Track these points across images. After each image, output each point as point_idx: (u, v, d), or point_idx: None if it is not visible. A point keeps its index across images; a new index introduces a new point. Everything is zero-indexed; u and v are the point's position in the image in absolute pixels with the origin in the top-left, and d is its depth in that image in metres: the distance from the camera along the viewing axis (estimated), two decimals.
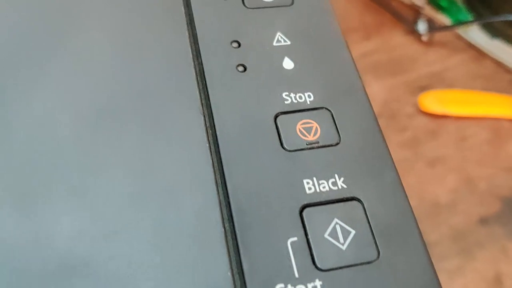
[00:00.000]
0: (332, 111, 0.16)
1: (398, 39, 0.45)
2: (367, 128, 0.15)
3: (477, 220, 0.36)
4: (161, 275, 0.12)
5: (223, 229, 0.13)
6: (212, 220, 0.13)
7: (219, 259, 0.13)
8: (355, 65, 0.16)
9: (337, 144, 0.15)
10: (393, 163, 0.15)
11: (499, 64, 0.44)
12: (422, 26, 0.45)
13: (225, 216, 0.13)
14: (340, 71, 0.16)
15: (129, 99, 0.15)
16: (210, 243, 0.13)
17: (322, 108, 0.16)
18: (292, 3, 0.18)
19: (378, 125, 0.15)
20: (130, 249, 0.12)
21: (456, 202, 0.37)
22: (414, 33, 0.45)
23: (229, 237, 0.13)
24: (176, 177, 0.14)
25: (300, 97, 0.16)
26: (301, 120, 0.15)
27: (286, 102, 0.16)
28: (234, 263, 0.13)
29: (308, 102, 0.16)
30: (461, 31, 0.45)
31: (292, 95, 0.16)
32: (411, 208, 0.14)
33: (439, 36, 0.45)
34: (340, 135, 0.15)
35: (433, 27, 0.45)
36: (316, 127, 0.15)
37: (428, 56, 0.44)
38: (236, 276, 0.12)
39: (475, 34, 0.45)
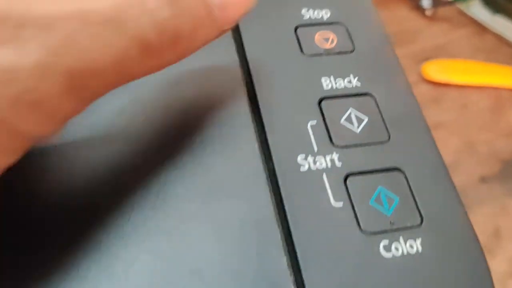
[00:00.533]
0: (346, 26, 0.17)
1: (403, 13, 0.47)
2: (377, 38, 0.17)
3: (477, 179, 0.38)
4: None
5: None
6: None
7: None
8: None
9: (351, 51, 0.17)
10: (401, 68, 0.17)
11: (500, 38, 0.46)
12: (426, 1, 0.46)
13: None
14: None
15: None
16: None
17: (338, 22, 0.17)
18: None
19: (388, 37, 0.17)
20: None
21: (457, 163, 0.38)
22: (419, 8, 0.47)
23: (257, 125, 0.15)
24: None
25: (318, 13, 0.18)
26: (318, 31, 0.17)
27: (304, 17, 0.17)
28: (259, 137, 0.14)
29: (325, 18, 0.18)
30: (464, 6, 0.47)
31: (311, 11, 0.18)
32: (416, 101, 0.16)
33: (442, 11, 0.47)
34: (354, 44, 0.17)
35: (436, 2, 0.47)
36: (333, 38, 0.17)
37: (432, 30, 0.46)
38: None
39: (477, 9, 0.47)
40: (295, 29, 0.17)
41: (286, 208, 0.13)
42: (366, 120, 0.15)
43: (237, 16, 0.13)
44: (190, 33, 0.12)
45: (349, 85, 0.16)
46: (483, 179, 0.37)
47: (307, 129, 0.15)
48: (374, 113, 0.15)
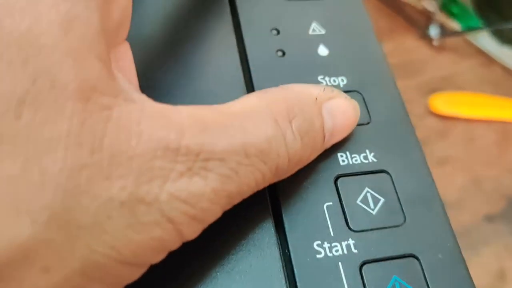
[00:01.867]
0: (363, 94, 0.17)
1: (410, 43, 0.46)
2: (395, 110, 0.17)
3: (482, 218, 0.37)
4: None
5: None
6: None
7: None
8: (383, 53, 0.18)
9: (368, 123, 0.17)
10: (419, 142, 0.17)
11: (507, 70, 0.46)
12: (434, 31, 0.46)
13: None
14: (370, 58, 0.18)
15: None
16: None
17: (354, 91, 0.17)
18: None
19: (405, 108, 0.17)
20: None
21: (463, 201, 0.38)
22: (426, 37, 0.47)
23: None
24: None
25: (334, 81, 0.17)
26: None
27: (320, 84, 0.17)
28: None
29: (342, 86, 0.17)
30: (471, 37, 0.47)
31: (327, 78, 0.17)
32: (433, 181, 0.16)
33: (450, 41, 0.47)
34: (371, 116, 0.17)
35: (444, 32, 0.47)
36: None
37: (439, 60, 0.46)
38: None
39: (485, 40, 0.47)
40: None
41: None
42: (382, 201, 0.15)
43: (339, 140, 0.16)
44: (308, 158, 0.14)
45: (365, 161, 0.16)
46: (488, 218, 0.37)
47: (323, 211, 0.15)
48: (390, 193, 0.15)
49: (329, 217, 0.14)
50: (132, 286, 0.11)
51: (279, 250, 0.14)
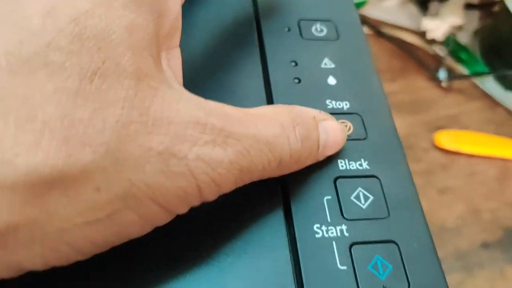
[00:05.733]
0: (362, 116, 0.21)
1: (420, 83, 0.51)
2: (387, 130, 0.21)
3: (479, 244, 0.40)
4: None
5: None
6: None
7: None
8: (381, 84, 0.22)
9: (364, 139, 0.21)
10: (405, 156, 0.20)
11: (510, 112, 0.50)
12: (442, 74, 0.50)
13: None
14: (370, 88, 0.22)
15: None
16: None
17: (355, 113, 0.21)
18: (338, 38, 0.24)
19: (395, 128, 0.21)
20: None
21: (461, 228, 0.41)
22: (435, 79, 0.51)
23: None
24: None
25: (339, 104, 0.22)
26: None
27: (328, 106, 0.21)
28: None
29: (345, 108, 0.21)
30: (478, 81, 0.51)
31: (334, 102, 0.22)
32: (415, 187, 0.20)
33: (457, 84, 0.51)
34: (367, 133, 0.21)
35: (452, 75, 0.51)
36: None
37: (446, 100, 0.50)
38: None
39: (490, 84, 0.51)
40: None
41: (302, 267, 0.17)
42: (371, 198, 0.19)
43: (329, 154, 0.19)
44: (305, 160, 0.18)
45: (360, 167, 0.20)
46: (485, 245, 0.40)
47: (323, 202, 0.19)
48: (378, 193, 0.19)
49: (327, 207, 0.18)
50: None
51: (286, 229, 0.18)
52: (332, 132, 0.19)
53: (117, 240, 0.14)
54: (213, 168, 0.14)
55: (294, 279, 0.17)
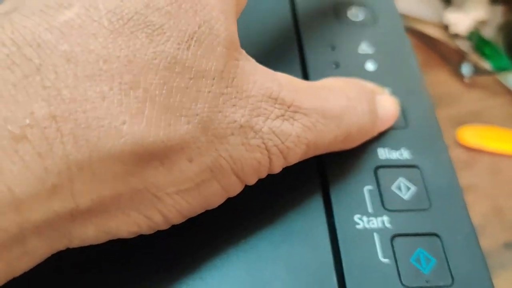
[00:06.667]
0: (402, 104, 0.20)
1: (442, 78, 0.49)
2: (427, 118, 0.20)
3: (502, 244, 0.39)
4: None
5: None
6: None
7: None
8: (420, 70, 0.21)
9: (404, 127, 0.20)
10: (446, 146, 0.20)
11: None
12: (466, 69, 0.49)
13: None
14: (410, 74, 0.21)
15: None
16: None
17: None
18: (375, 22, 0.23)
19: (436, 117, 0.20)
20: None
21: (484, 227, 0.40)
22: (458, 74, 0.50)
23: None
24: None
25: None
26: None
27: None
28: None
29: None
30: (501, 77, 0.50)
31: None
32: (456, 176, 0.19)
33: (480, 79, 0.50)
34: (407, 122, 0.20)
35: (476, 71, 0.50)
36: None
37: (469, 96, 0.49)
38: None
39: None
40: None
41: (343, 258, 0.16)
42: (412, 189, 0.18)
43: (385, 128, 0.19)
44: (368, 133, 0.18)
45: (401, 157, 0.19)
46: (507, 245, 0.39)
47: (364, 192, 0.18)
48: (419, 184, 0.18)
49: (368, 197, 0.18)
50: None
51: (326, 219, 0.17)
52: (388, 106, 0.19)
53: (199, 210, 0.15)
54: (283, 140, 0.15)
55: (334, 270, 0.16)
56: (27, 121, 0.11)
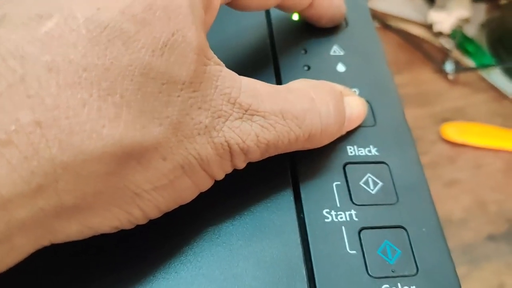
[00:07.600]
0: (371, 103, 0.21)
1: (426, 76, 0.50)
2: (396, 116, 0.21)
3: (485, 236, 0.40)
4: None
5: None
6: None
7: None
8: (390, 71, 0.22)
9: (373, 125, 0.21)
10: (414, 143, 0.20)
11: None
12: (449, 66, 0.50)
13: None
14: (379, 75, 0.22)
15: None
16: None
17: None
18: (347, 26, 0.24)
19: (404, 115, 0.21)
20: None
21: (467, 220, 0.41)
22: (441, 72, 0.51)
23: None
24: None
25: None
26: None
27: None
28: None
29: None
30: (484, 73, 0.51)
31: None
32: (423, 173, 0.20)
33: (463, 76, 0.51)
34: (376, 120, 0.21)
35: (459, 68, 0.51)
36: None
37: (453, 93, 0.50)
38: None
39: (497, 77, 0.50)
40: None
41: (312, 251, 0.17)
42: (380, 184, 0.19)
43: (352, 128, 0.20)
44: (334, 134, 0.19)
45: (369, 154, 0.20)
46: (491, 237, 0.40)
47: (333, 187, 0.19)
48: (387, 179, 0.19)
49: (337, 192, 0.18)
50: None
51: (296, 213, 0.18)
52: (355, 106, 0.20)
53: (174, 204, 0.16)
54: (243, 139, 0.16)
55: (304, 262, 0.17)
56: (13, 127, 0.12)
